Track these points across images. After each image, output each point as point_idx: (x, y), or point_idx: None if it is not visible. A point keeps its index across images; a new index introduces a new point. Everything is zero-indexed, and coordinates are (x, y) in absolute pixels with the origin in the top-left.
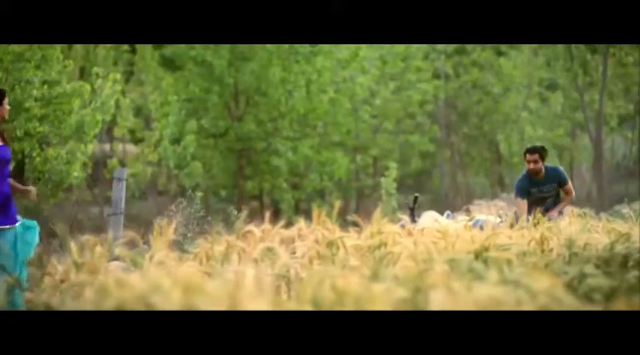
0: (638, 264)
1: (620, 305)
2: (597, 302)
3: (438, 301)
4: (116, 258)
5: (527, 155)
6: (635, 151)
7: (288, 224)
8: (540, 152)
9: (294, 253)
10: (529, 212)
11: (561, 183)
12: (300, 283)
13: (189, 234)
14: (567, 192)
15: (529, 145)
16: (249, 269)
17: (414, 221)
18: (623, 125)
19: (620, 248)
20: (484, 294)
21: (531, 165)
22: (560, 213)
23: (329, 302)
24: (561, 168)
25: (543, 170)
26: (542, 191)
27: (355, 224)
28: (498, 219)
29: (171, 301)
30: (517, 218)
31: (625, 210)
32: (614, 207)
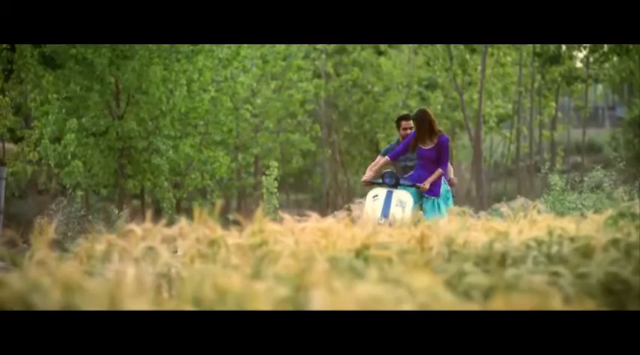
0: (516, 262)
1: (498, 303)
2: (476, 299)
3: (318, 300)
4: None
5: (403, 122)
6: (513, 150)
7: (170, 223)
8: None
9: (175, 252)
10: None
11: None
12: (181, 282)
13: (69, 233)
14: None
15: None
16: (129, 268)
17: None
18: (502, 124)
19: (498, 246)
20: (364, 293)
21: (408, 132)
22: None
23: (210, 301)
24: None
25: None
26: (408, 159)
27: (237, 222)
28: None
29: (51, 300)
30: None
31: (503, 208)
32: (492, 206)
